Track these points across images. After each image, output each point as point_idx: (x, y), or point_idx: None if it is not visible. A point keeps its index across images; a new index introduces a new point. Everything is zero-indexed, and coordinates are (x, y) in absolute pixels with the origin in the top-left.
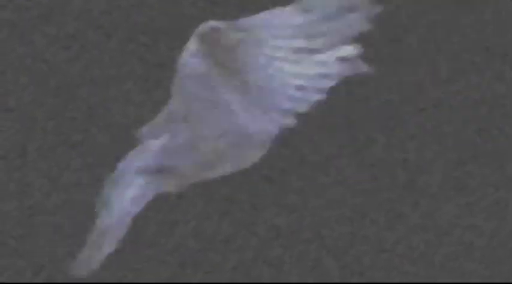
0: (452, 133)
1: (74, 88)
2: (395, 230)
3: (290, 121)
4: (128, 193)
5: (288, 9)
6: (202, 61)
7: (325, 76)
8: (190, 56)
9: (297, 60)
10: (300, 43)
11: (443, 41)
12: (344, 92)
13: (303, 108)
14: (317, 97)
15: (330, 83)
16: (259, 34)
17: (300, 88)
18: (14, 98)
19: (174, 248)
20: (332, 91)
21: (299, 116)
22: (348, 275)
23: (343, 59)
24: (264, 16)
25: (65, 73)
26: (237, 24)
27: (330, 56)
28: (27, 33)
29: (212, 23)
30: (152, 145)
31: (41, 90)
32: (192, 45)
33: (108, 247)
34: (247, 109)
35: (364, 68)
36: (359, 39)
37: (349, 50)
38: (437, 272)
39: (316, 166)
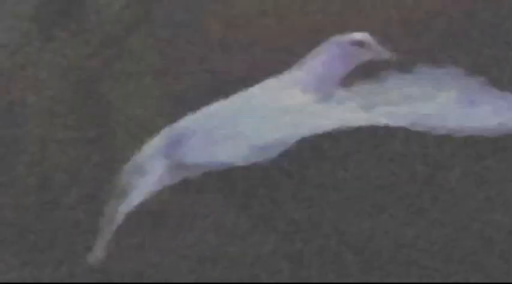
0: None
1: (94, 83)
2: (414, 225)
3: None
4: (149, 179)
5: None
6: None
7: None
8: None
9: None
10: None
11: (462, 35)
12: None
13: None
14: None
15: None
16: None
17: None
18: (33, 93)
19: (193, 243)
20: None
21: None
22: (368, 269)
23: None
24: None
25: (85, 68)
26: None
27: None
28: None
29: None
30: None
31: (60, 85)
32: None
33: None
34: None
35: (384, 53)
36: (380, 36)
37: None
38: (456, 267)
39: (335, 160)
